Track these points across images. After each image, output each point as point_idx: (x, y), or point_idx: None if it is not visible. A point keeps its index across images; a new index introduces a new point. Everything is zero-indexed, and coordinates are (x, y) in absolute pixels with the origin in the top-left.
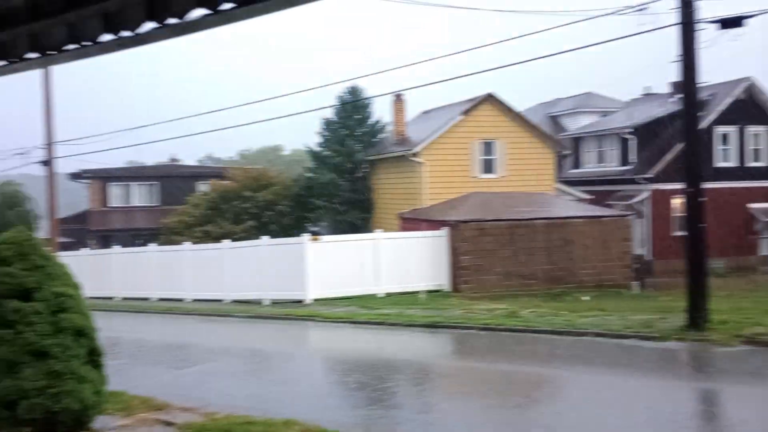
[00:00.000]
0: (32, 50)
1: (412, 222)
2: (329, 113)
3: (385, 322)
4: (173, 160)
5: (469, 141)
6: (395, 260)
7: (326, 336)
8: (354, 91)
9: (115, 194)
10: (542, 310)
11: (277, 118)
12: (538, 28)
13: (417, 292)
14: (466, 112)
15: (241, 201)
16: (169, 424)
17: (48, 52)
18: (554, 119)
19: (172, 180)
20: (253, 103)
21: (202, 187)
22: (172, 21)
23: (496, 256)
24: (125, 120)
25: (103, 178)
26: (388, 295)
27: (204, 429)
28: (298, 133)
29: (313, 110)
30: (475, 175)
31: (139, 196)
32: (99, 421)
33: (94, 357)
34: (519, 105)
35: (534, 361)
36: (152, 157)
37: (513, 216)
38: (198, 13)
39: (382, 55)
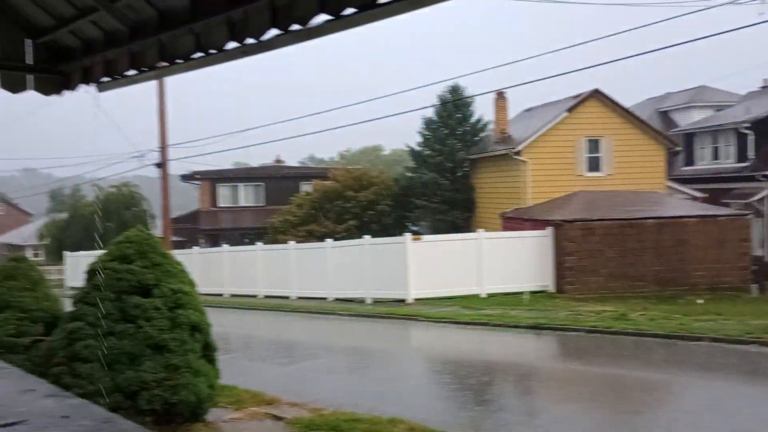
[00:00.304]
0: (161, 59)
1: (514, 222)
2: (430, 113)
3: (488, 323)
4: (278, 161)
5: (574, 138)
6: (498, 260)
7: (429, 336)
8: (455, 90)
9: (224, 195)
10: (653, 313)
11: (378, 118)
12: (648, 20)
13: (520, 293)
14: (571, 109)
15: (343, 201)
16: (278, 418)
17: (176, 61)
18: (664, 115)
19: (277, 180)
20: (355, 104)
21: (305, 187)
22: (295, 27)
23: (603, 256)
24: (233, 123)
25: (213, 179)
26: (491, 295)
27: (312, 424)
28: (398, 133)
29: (415, 110)
30: (580, 173)
31: (246, 196)
32: (212, 414)
33: (208, 352)
34: (626, 100)
35: (646, 365)
36: (258, 158)
37: (621, 215)
38: (320, 19)
39: (484, 54)
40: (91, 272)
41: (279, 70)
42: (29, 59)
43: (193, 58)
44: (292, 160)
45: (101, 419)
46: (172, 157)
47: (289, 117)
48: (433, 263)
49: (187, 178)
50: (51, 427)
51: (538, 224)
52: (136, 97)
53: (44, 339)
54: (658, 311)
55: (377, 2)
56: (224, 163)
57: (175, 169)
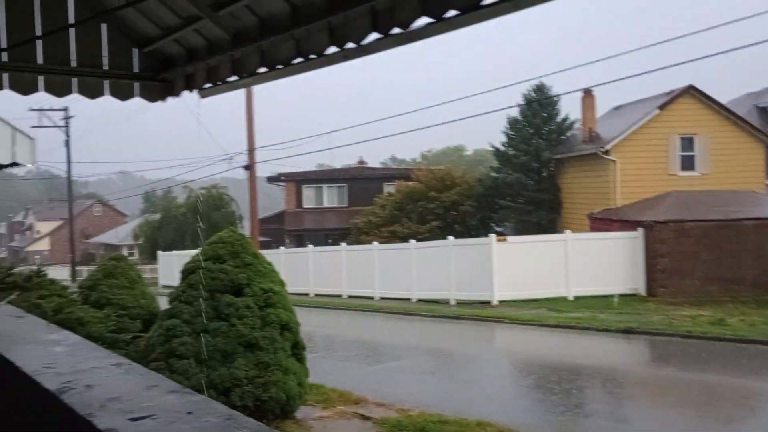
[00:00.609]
0: (262, 65)
1: (603, 222)
2: (515, 112)
3: (576, 326)
4: (360, 162)
5: (666, 137)
6: (586, 262)
7: (514, 338)
8: (540, 89)
9: (308, 196)
10: (753, 319)
11: (462, 119)
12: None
13: (609, 296)
14: (664, 106)
15: (426, 202)
16: (366, 418)
17: (277, 67)
18: (764, 111)
19: (360, 182)
20: (438, 105)
21: (388, 188)
22: (396, 31)
23: (698, 258)
24: (318, 125)
25: (297, 180)
26: (578, 298)
27: (399, 425)
28: (481, 132)
29: (500, 110)
30: (673, 172)
31: (330, 197)
32: (301, 412)
33: (297, 350)
34: (722, 96)
35: (746, 373)
36: (341, 160)
37: (717, 216)
38: (421, 22)
39: (570, 51)
40: (187, 271)
41: (362, 71)
42: (136, 68)
43: (293, 64)
44: (374, 162)
45: (224, 416)
46: (259, 159)
47: (372, 119)
48: (519, 265)
49: (272, 179)
50: (177, 422)
51: (627, 225)
52: (225, 101)
53: (142, 335)
54: (758, 316)
55: (481, 3)
56: (308, 165)
57: (262, 171)
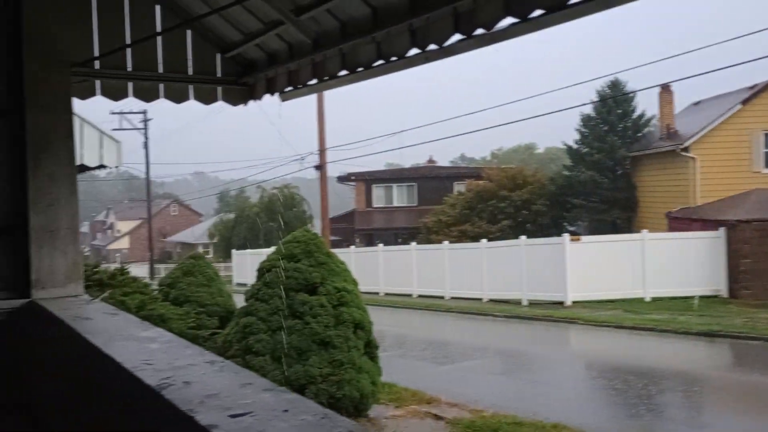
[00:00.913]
0: (342, 68)
1: (681, 222)
2: (588, 109)
3: (654, 328)
4: (430, 161)
5: (749, 132)
6: (664, 263)
7: (589, 340)
8: (615, 85)
9: (378, 195)
10: None
11: (533, 117)
12: None
13: (688, 298)
14: (747, 101)
15: (497, 201)
16: (438, 417)
17: (357, 69)
18: None
19: (429, 181)
20: (509, 103)
21: (458, 187)
22: (479, 32)
23: None
24: (388, 125)
25: (367, 180)
26: (655, 299)
27: (473, 426)
28: (552, 130)
29: (573, 107)
30: (757, 170)
31: (399, 196)
32: (374, 410)
33: (369, 349)
34: None
35: None
36: (410, 159)
37: None
38: (505, 22)
39: (649, 46)
40: (263, 270)
41: (434, 72)
42: (218, 73)
43: (374, 66)
44: (443, 160)
45: (320, 414)
46: (330, 159)
47: (442, 118)
48: (593, 265)
49: (342, 179)
50: (275, 419)
51: (708, 225)
52: (296, 102)
53: (219, 332)
54: None
55: (568, 3)
56: (377, 164)
57: (332, 171)
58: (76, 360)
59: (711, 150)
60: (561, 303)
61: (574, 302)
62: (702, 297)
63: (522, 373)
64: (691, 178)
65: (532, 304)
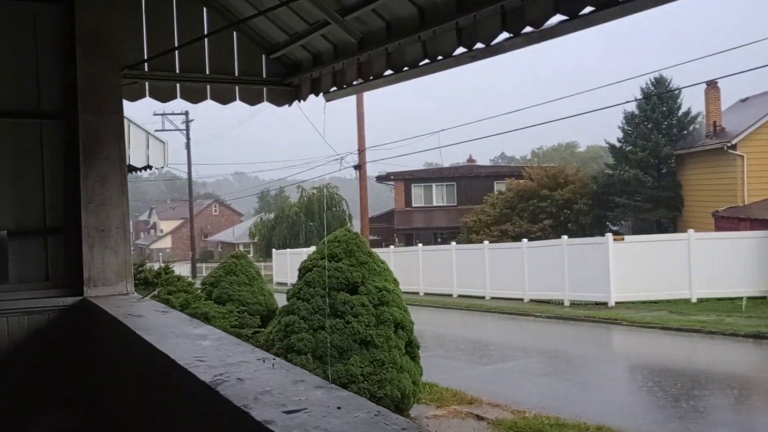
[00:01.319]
0: (388, 67)
1: (729, 221)
2: (632, 107)
3: (701, 330)
4: (470, 160)
5: None
6: (710, 263)
7: (633, 341)
8: (659, 82)
9: (417, 195)
10: None
11: (576, 115)
12: None
13: (736, 298)
14: None
15: (538, 200)
16: (480, 418)
17: (403, 69)
18: None
19: (469, 180)
20: (550, 102)
21: (498, 186)
22: (527, 30)
23: None
24: (428, 124)
25: (406, 179)
26: (701, 300)
27: (515, 427)
28: (594, 129)
29: (615, 105)
30: None
31: (439, 196)
32: (415, 410)
33: (410, 349)
34: None
35: None
36: (450, 158)
37: None
38: (554, 20)
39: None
40: (304, 269)
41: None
42: (264, 74)
43: (420, 65)
44: (483, 159)
45: (373, 412)
46: (368, 159)
47: (482, 117)
48: (637, 265)
49: (381, 179)
50: (329, 416)
51: (757, 224)
52: (337, 103)
53: (262, 330)
54: None
55: (618, 0)
56: (416, 164)
57: (371, 170)
58: (131, 356)
59: (759, 148)
60: (604, 304)
61: (617, 303)
62: (750, 298)
63: (564, 375)
64: (738, 177)
65: (574, 304)
